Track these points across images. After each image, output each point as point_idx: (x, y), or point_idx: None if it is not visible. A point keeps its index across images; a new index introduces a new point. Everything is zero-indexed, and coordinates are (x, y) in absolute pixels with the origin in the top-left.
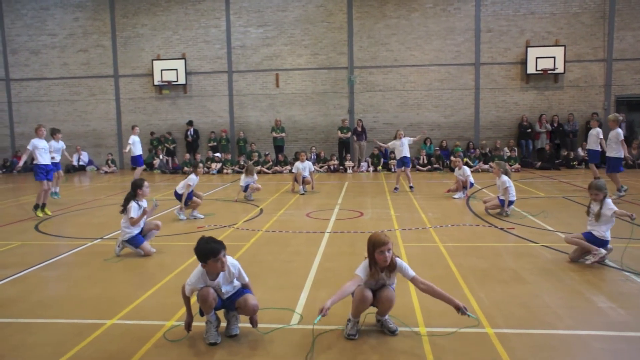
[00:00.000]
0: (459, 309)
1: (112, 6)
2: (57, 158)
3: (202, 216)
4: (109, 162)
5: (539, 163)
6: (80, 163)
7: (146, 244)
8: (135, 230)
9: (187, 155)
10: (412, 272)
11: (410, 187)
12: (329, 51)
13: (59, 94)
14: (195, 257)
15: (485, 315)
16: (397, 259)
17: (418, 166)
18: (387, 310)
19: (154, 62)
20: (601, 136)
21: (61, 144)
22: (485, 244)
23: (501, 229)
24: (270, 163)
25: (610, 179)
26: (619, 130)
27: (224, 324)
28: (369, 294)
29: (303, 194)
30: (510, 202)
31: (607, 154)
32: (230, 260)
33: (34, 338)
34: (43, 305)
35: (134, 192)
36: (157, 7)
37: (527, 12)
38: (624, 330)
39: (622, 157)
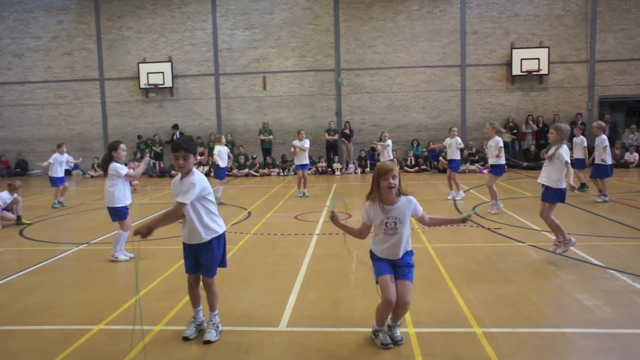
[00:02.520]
0: (464, 220)
1: (97, 9)
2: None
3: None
4: (95, 166)
5: (525, 163)
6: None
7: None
8: (124, 200)
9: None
10: (421, 209)
11: None
12: (316, 53)
13: (44, 98)
14: (182, 262)
15: (473, 315)
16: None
17: (406, 167)
18: (400, 314)
19: (140, 65)
20: (585, 144)
21: (66, 157)
22: (472, 244)
23: (488, 229)
24: (258, 166)
25: (593, 183)
26: (603, 136)
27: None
28: (393, 288)
29: (301, 196)
30: (502, 166)
31: (595, 161)
32: (198, 176)
33: (17, 346)
34: (27, 312)
35: (110, 154)
36: (143, 9)
37: (511, 14)
38: (609, 327)
39: (609, 163)
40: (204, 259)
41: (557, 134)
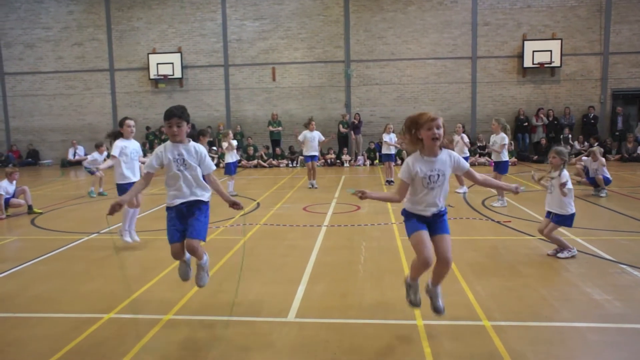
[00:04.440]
0: (516, 191)
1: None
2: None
3: None
4: (105, 156)
5: (536, 156)
6: (76, 157)
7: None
8: (127, 178)
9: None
10: (467, 165)
11: (387, 181)
12: (326, 45)
13: (54, 88)
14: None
15: (482, 308)
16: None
17: None
18: (443, 273)
19: (150, 55)
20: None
21: (104, 155)
22: (481, 237)
23: (498, 222)
24: (264, 155)
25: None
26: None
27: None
28: (430, 246)
29: (310, 187)
30: (506, 163)
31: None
32: (197, 145)
33: (30, 333)
34: (39, 300)
35: (117, 130)
36: (153, 0)
37: (523, 6)
38: (620, 322)
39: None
40: (198, 218)
41: (560, 158)
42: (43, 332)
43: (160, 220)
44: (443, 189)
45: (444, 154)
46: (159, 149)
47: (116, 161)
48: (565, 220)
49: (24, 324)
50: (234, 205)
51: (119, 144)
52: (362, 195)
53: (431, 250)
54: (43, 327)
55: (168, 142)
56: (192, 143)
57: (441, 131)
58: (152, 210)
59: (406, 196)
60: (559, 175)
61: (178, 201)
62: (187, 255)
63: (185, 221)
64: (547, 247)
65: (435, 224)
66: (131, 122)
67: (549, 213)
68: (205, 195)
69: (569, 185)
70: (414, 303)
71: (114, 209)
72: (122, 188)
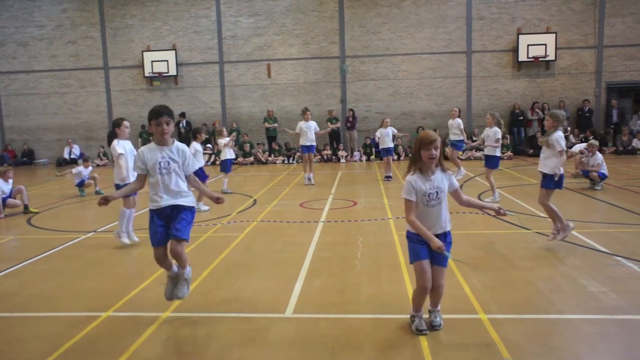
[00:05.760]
0: (499, 212)
1: None
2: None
3: (207, 208)
4: (101, 154)
5: (531, 150)
6: (72, 156)
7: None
8: (129, 178)
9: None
10: (457, 183)
11: (386, 177)
12: (321, 40)
13: (49, 87)
14: (190, 248)
15: (479, 302)
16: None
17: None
18: (438, 297)
19: (144, 53)
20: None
21: (89, 169)
22: (478, 231)
23: (494, 216)
24: (259, 151)
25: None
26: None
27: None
28: (429, 274)
29: (307, 184)
30: (497, 158)
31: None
32: (180, 145)
33: (28, 331)
34: (37, 299)
35: (114, 131)
36: None
37: (518, 0)
38: (615, 313)
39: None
40: (182, 219)
41: (553, 120)
42: (41, 330)
43: None
44: (442, 208)
45: (439, 172)
46: (141, 150)
47: (121, 160)
48: (550, 181)
49: (22, 323)
50: (217, 200)
51: (121, 144)
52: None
53: (430, 278)
54: (41, 326)
55: (152, 144)
56: (176, 143)
57: (438, 152)
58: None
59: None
60: (550, 136)
61: (162, 204)
62: (174, 268)
63: (168, 224)
64: (544, 241)
65: (437, 254)
66: (128, 123)
67: (541, 179)
68: (188, 200)
69: (561, 144)
70: (421, 330)
71: (101, 202)
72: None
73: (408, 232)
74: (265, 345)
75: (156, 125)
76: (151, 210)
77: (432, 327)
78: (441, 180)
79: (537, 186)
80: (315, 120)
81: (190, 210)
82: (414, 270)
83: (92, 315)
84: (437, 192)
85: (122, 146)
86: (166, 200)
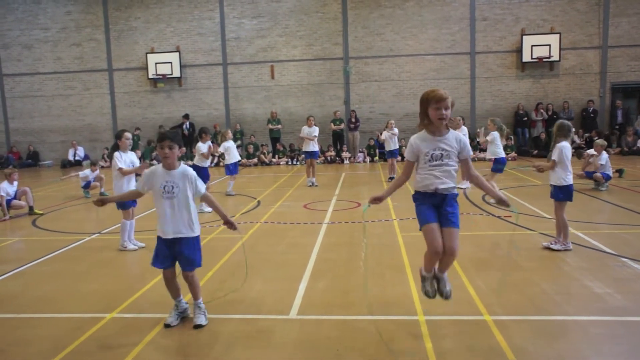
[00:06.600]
0: (500, 201)
1: None
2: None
3: (210, 210)
4: (105, 156)
5: (535, 151)
6: (76, 158)
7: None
8: (126, 186)
9: (184, 149)
10: (471, 152)
11: (390, 178)
12: (324, 42)
13: (53, 89)
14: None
15: (484, 303)
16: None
17: None
18: (449, 262)
19: (148, 55)
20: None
21: (96, 173)
22: (482, 232)
23: (498, 217)
24: (263, 152)
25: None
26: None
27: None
28: (439, 237)
29: (310, 185)
30: (500, 161)
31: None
32: (186, 168)
33: (33, 333)
34: (42, 301)
35: (116, 143)
36: None
37: (522, 0)
38: (621, 315)
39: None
40: (187, 253)
41: (557, 130)
42: (46, 332)
43: None
44: (448, 169)
45: (451, 135)
46: (148, 171)
47: (121, 172)
48: (559, 192)
49: (26, 324)
50: (230, 225)
51: (122, 157)
52: (375, 201)
53: (440, 240)
54: (45, 327)
55: (160, 167)
56: (182, 167)
57: (449, 112)
58: (153, 209)
59: (415, 177)
60: (554, 145)
61: (167, 236)
62: (183, 304)
63: (173, 251)
64: (548, 242)
65: (445, 214)
66: (129, 135)
67: (551, 191)
68: (193, 230)
69: (561, 156)
70: (429, 294)
71: (97, 203)
72: (129, 202)
73: (413, 194)
74: (269, 346)
75: (160, 149)
76: (158, 236)
77: (442, 295)
78: (450, 144)
79: (542, 187)
80: (319, 121)
81: (195, 239)
82: (423, 236)
83: (96, 316)
84: (441, 154)
85: (124, 160)
86: (170, 233)
